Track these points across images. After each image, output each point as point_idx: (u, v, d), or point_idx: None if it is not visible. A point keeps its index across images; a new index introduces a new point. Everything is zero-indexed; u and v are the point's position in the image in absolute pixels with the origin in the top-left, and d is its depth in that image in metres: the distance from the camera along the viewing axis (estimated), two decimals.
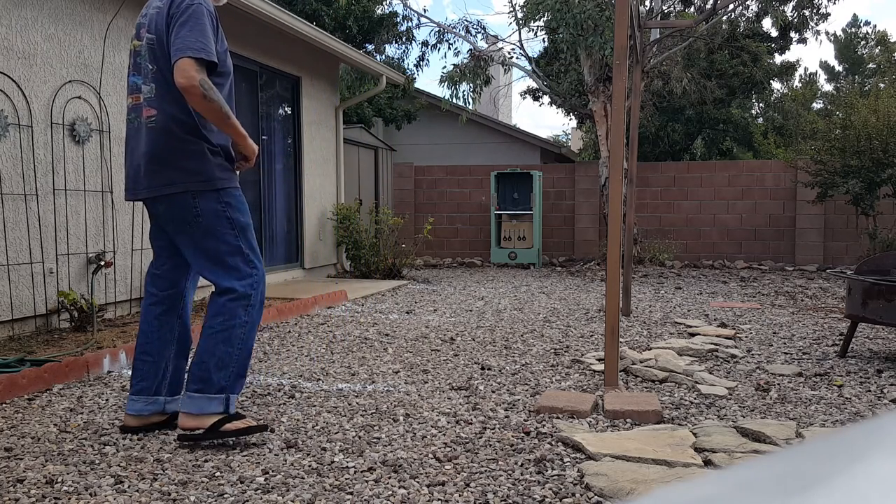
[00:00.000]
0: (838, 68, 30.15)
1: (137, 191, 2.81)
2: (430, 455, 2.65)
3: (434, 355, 4.45)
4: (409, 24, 12.94)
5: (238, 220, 2.80)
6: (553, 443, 2.79)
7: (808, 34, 15.18)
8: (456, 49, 15.29)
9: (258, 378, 3.84)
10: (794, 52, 54.21)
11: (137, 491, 2.32)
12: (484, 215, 12.09)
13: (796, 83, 25.71)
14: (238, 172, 2.96)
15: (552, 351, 4.59)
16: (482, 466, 2.54)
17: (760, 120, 20.42)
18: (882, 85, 19.08)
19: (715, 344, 4.71)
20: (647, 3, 11.35)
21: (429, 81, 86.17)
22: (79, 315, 4.86)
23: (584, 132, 19.59)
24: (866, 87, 23.50)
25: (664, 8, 12.14)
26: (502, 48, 12.61)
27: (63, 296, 4.88)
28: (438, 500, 2.25)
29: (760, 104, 20.74)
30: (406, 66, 13.64)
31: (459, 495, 2.28)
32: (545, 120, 75.90)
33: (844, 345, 4.42)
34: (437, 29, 12.67)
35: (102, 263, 5.27)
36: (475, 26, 12.34)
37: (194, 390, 2.73)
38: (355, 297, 7.17)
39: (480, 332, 5.25)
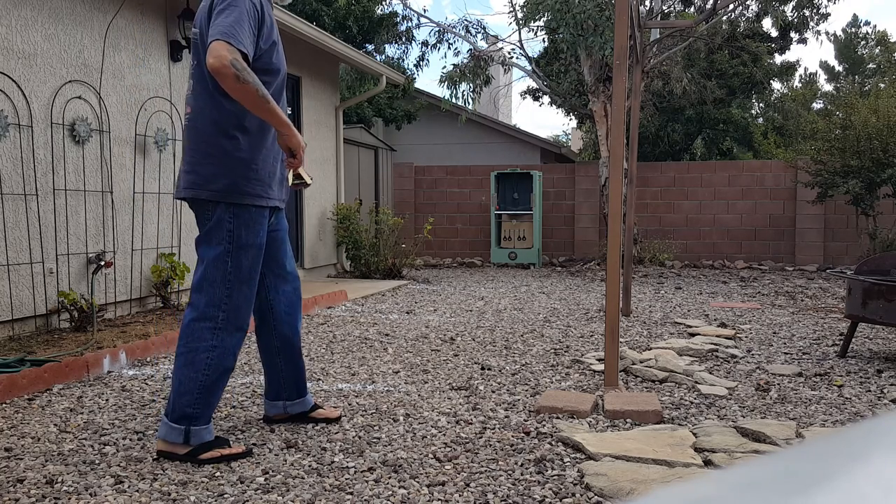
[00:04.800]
0: (838, 68, 30.14)
1: (177, 190, 2.73)
2: (430, 455, 2.65)
3: (434, 355, 4.45)
4: (409, 24, 12.94)
5: (240, 235, 2.63)
6: (553, 443, 2.79)
7: (808, 34, 15.19)
8: (456, 49, 15.28)
9: (258, 378, 3.84)
10: (794, 52, 54.24)
11: (137, 491, 2.32)
12: (484, 215, 12.09)
13: (796, 83, 25.71)
14: (285, 190, 2.82)
15: (552, 351, 4.59)
16: (482, 466, 2.54)
17: (760, 120, 20.42)
18: (882, 85, 19.08)
19: (715, 344, 4.71)
20: (647, 3, 11.35)
21: (429, 81, 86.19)
22: (79, 315, 4.86)
23: (584, 132, 19.58)
24: (866, 87, 23.50)
25: (664, 8, 12.14)
26: (502, 48, 12.61)
27: (63, 296, 4.88)
28: (438, 500, 2.25)
29: (760, 104, 20.74)
30: (406, 66, 13.64)
31: (459, 495, 2.28)
32: (545, 120, 75.89)
33: (844, 345, 4.42)
34: (436, 29, 12.67)
35: (102, 263, 5.27)
36: (475, 26, 12.35)
37: (164, 413, 2.65)
38: (355, 297, 7.17)
39: (480, 332, 5.25)
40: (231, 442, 2.72)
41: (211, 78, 2.56)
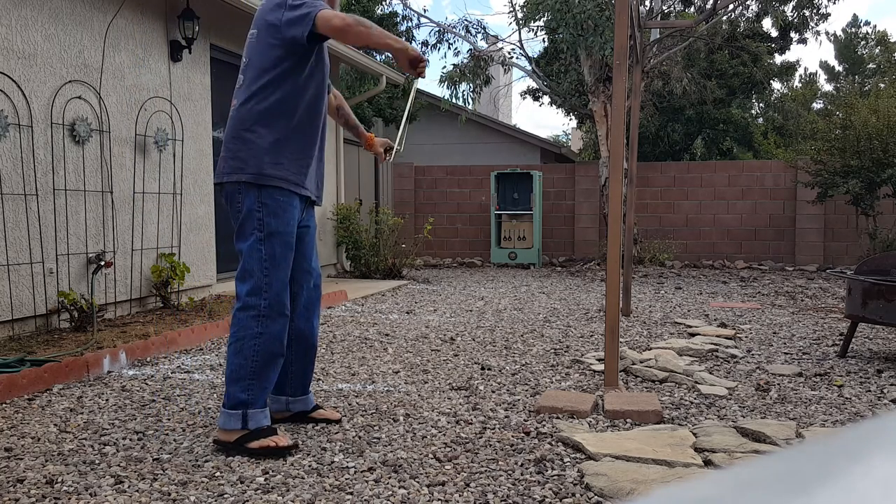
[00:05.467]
0: (838, 68, 30.13)
1: (216, 175, 2.87)
2: (430, 455, 2.65)
3: (434, 355, 4.45)
4: (409, 23, 12.95)
5: (269, 223, 2.75)
6: (553, 443, 2.79)
7: (808, 34, 15.18)
8: (456, 49, 15.27)
9: None
10: (794, 52, 54.15)
11: (137, 491, 2.32)
12: (484, 215, 12.09)
13: (796, 83, 25.71)
14: (304, 184, 2.90)
15: (552, 351, 4.59)
16: (482, 466, 2.54)
17: (760, 120, 20.42)
18: (882, 85, 19.08)
19: (715, 344, 4.71)
20: (647, 3, 11.35)
21: (429, 81, 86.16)
22: (79, 315, 4.86)
23: (584, 132, 19.58)
24: (866, 87, 23.50)
25: (664, 8, 12.14)
26: (502, 48, 12.61)
27: (63, 296, 4.87)
28: (438, 500, 2.25)
29: (760, 104, 20.74)
30: None
31: (459, 495, 2.28)
32: (545, 120, 75.86)
33: (844, 345, 4.42)
34: (436, 29, 12.67)
35: (102, 263, 5.27)
36: (475, 26, 12.35)
37: (222, 405, 2.76)
38: (355, 297, 7.17)
39: (480, 332, 5.25)
40: (278, 430, 2.77)
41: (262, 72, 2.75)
